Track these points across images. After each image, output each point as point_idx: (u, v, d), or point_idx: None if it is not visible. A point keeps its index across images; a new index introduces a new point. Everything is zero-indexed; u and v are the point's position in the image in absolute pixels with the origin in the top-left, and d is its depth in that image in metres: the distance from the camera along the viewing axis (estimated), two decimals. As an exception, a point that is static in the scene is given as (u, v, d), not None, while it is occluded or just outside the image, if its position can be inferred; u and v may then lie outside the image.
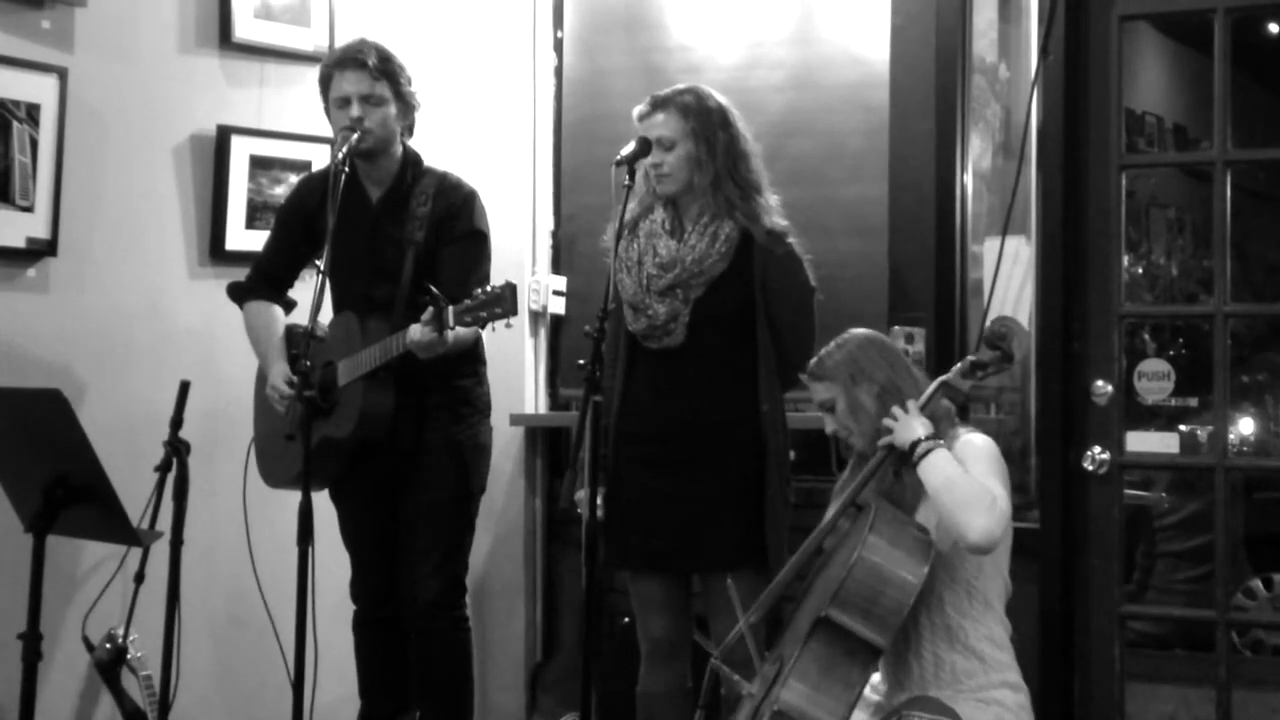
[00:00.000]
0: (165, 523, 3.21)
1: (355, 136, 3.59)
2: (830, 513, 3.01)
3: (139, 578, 3.32)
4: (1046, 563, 3.73)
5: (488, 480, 3.86)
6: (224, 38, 4.21)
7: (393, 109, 3.69)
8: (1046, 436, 3.83)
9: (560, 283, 4.72)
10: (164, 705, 3.30)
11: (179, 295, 4.15)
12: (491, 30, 4.70)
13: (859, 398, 2.96)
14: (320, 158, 4.24)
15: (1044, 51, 3.79)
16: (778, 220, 3.44)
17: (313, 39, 4.35)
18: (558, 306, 4.72)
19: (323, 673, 3.46)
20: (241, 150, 4.22)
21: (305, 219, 3.80)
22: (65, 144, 3.87)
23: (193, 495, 3.21)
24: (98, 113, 3.96)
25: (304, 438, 3.32)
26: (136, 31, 4.07)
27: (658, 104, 3.43)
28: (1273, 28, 6.37)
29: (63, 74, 3.86)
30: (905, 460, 2.83)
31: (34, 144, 3.81)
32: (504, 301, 3.34)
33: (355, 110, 3.63)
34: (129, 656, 3.78)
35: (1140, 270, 6.16)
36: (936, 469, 2.76)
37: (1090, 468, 3.69)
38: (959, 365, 2.95)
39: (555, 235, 4.78)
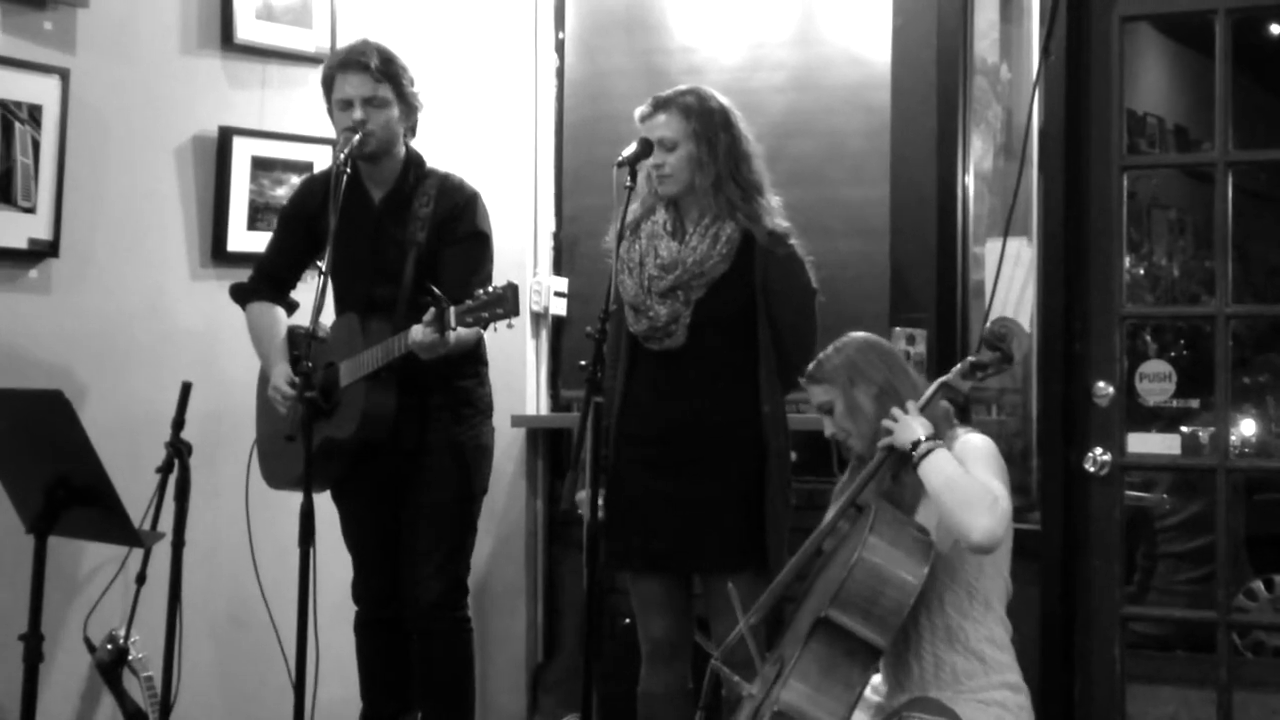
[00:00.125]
0: (166, 524, 3.21)
1: (357, 138, 3.59)
2: (830, 515, 3.01)
3: (140, 579, 3.32)
4: (1047, 564, 3.73)
5: (489, 481, 3.87)
6: (226, 39, 4.22)
7: (395, 111, 3.69)
8: (1048, 438, 3.83)
9: (561, 284, 4.73)
10: (165, 706, 3.30)
11: (180, 296, 4.15)
12: (493, 31, 4.70)
13: (857, 399, 2.96)
14: (322, 159, 4.24)
15: (1045, 52, 3.79)
16: (779, 222, 3.44)
17: (314, 40, 4.35)
18: (559, 308, 4.72)
19: (324, 674, 3.46)
20: (243, 151, 4.22)
21: (307, 220, 3.80)
22: (67, 145, 3.87)
23: (194, 496, 3.22)
24: (99, 114, 3.96)
25: (305, 439, 3.33)
26: (138, 33, 4.07)
27: (659, 105, 3.43)
28: (1274, 29, 6.37)
29: (65, 75, 3.86)
30: (905, 461, 2.83)
31: (36, 145, 3.82)
32: (506, 302, 3.34)
33: (358, 112, 3.63)
34: (130, 657, 3.78)
35: (1142, 271, 6.16)
36: (937, 469, 2.76)
37: (1091, 469, 3.69)
38: (959, 366, 2.95)
39: (556, 236, 4.78)
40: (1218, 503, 3.62)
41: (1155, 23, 5.74)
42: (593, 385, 3.24)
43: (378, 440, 3.63)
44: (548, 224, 4.77)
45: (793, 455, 3.50)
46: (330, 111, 3.74)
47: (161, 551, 3.23)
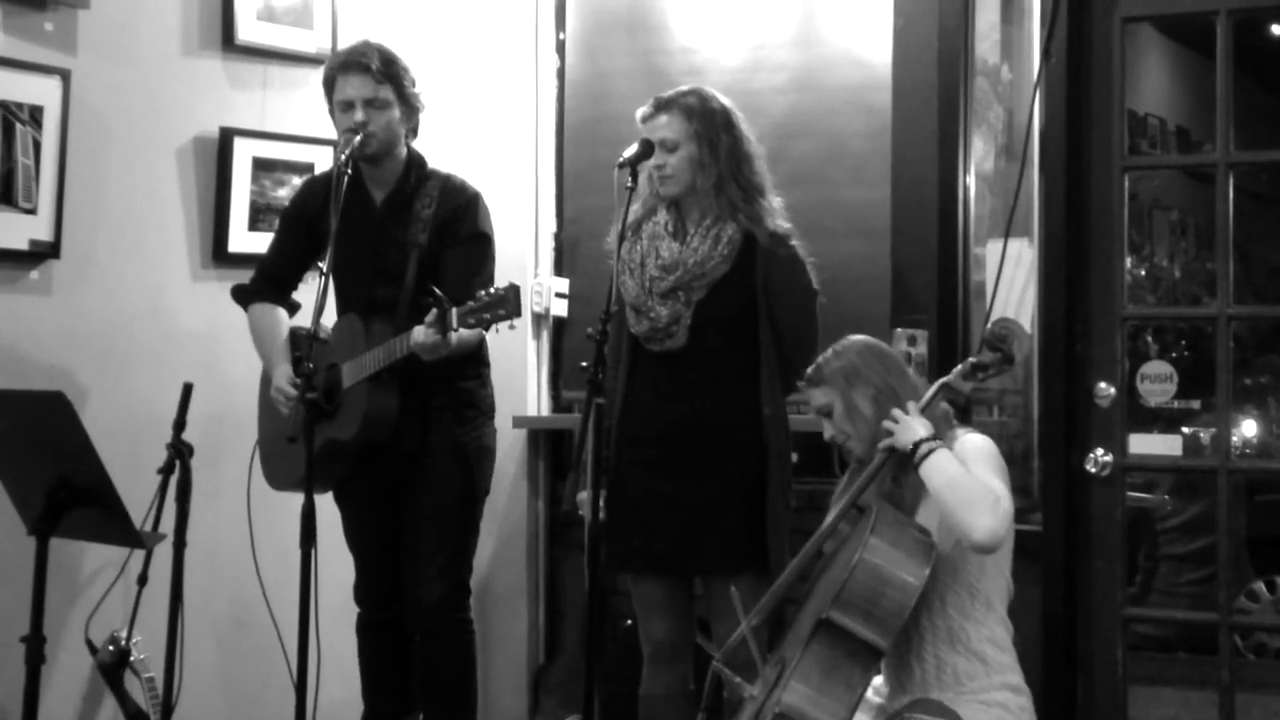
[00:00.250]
0: (168, 525, 3.21)
1: (358, 140, 3.59)
2: (830, 517, 3.01)
3: (142, 580, 3.32)
4: (1049, 565, 3.73)
5: (491, 482, 3.86)
6: (227, 40, 4.21)
7: (396, 112, 3.69)
8: (1049, 439, 3.83)
9: (563, 285, 4.73)
10: (167, 707, 3.29)
11: (181, 297, 4.15)
12: (494, 32, 4.70)
13: (855, 401, 2.96)
14: (323, 160, 4.24)
15: (1046, 53, 3.79)
16: (781, 223, 3.44)
17: (315, 41, 4.35)
18: (560, 309, 4.72)
19: (325, 675, 3.46)
20: (244, 152, 4.22)
21: (309, 221, 3.80)
22: (68, 146, 3.87)
23: (195, 497, 3.22)
24: (100, 115, 3.96)
25: (306, 440, 3.33)
26: (139, 34, 4.07)
27: (661, 106, 3.43)
28: (1275, 29, 6.37)
29: (66, 76, 3.86)
30: (907, 462, 2.83)
31: (37, 146, 3.82)
32: (507, 303, 3.33)
33: (359, 114, 3.62)
34: (132, 659, 3.78)
35: (1143, 272, 6.16)
36: (939, 469, 2.76)
37: (1093, 470, 3.69)
38: (960, 367, 2.96)
39: (558, 237, 4.78)
40: (1219, 504, 3.63)
41: (1156, 24, 5.74)
42: (594, 386, 3.24)
43: (380, 442, 3.63)
44: (549, 225, 4.77)
45: (794, 456, 3.50)
46: (331, 113, 3.74)
47: (163, 553, 3.23)
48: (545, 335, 4.74)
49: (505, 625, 4.64)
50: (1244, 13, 3.68)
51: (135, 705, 3.81)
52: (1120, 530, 3.69)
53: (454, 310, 3.34)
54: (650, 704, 3.51)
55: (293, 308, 3.91)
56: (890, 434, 2.85)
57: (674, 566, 3.45)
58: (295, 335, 3.80)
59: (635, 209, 3.46)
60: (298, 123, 4.30)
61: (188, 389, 3.38)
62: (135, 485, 3.17)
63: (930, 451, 2.78)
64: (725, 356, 3.42)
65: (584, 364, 3.28)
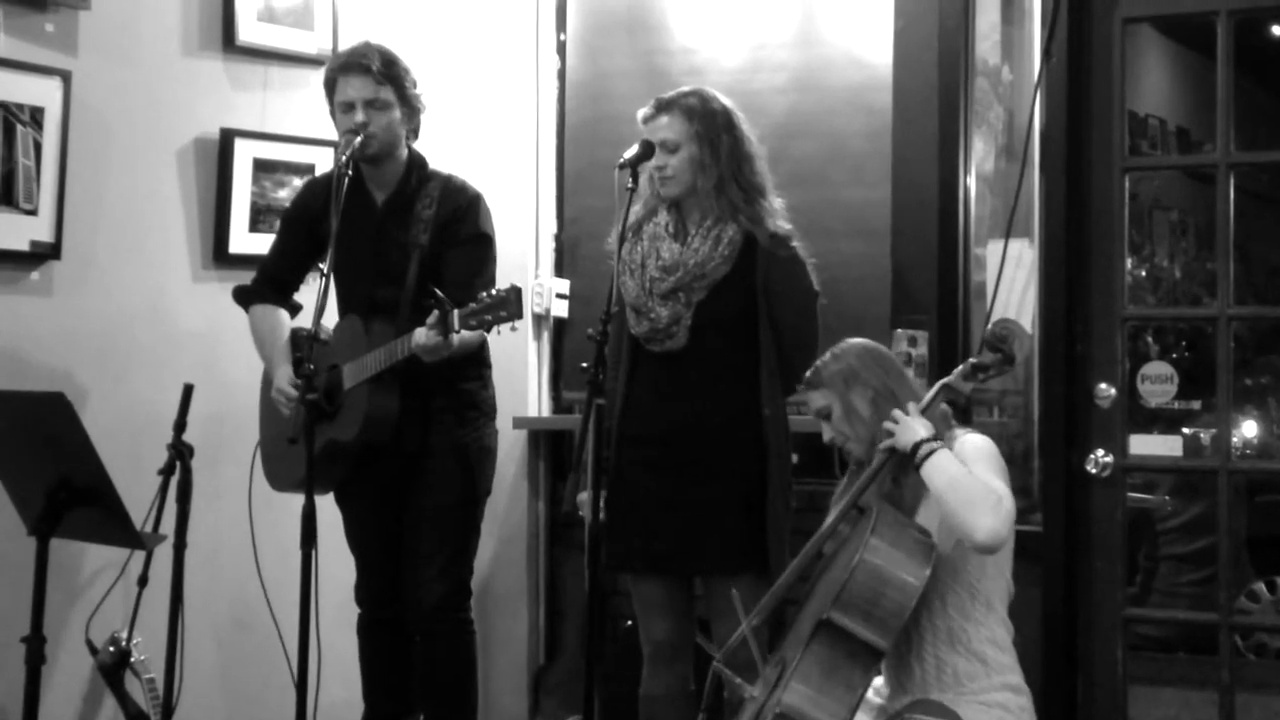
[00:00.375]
0: (168, 526, 3.21)
1: (359, 141, 3.59)
2: (830, 518, 3.01)
3: (142, 581, 3.32)
4: (1049, 565, 3.73)
5: (492, 483, 3.86)
6: (227, 41, 4.21)
7: (397, 113, 3.69)
8: (1049, 439, 3.83)
9: (563, 285, 4.73)
10: (167, 708, 3.29)
11: (182, 298, 4.15)
12: (494, 33, 4.70)
13: (854, 403, 2.96)
14: (324, 161, 4.24)
15: (1047, 54, 3.79)
16: (781, 224, 3.44)
17: (316, 42, 4.35)
18: (561, 309, 4.72)
19: (326, 675, 3.46)
20: (245, 153, 4.22)
21: (310, 222, 3.80)
22: (69, 147, 3.87)
23: (196, 498, 3.22)
24: (101, 116, 3.96)
25: (306, 441, 3.33)
26: (140, 34, 4.07)
27: (662, 106, 3.43)
28: (1276, 30, 6.37)
29: (66, 77, 3.86)
30: (907, 463, 2.83)
31: (38, 147, 3.82)
32: (509, 305, 3.33)
33: (360, 115, 3.63)
34: (132, 660, 3.78)
35: (1143, 273, 6.16)
36: (940, 469, 2.76)
37: (1093, 470, 3.69)
38: (960, 368, 2.95)
39: (558, 238, 4.78)
40: (1219, 504, 3.63)
41: (1157, 24, 5.74)
42: (594, 387, 3.24)
43: (381, 443, 3.63)
44: (549, 226, 4.77)
45: (794, 457, 3.50)
46: (332, 114, 3.74)
47: (163, 553, 3.23)
48: (546, 336, 4.75)
49: (506, 626, 4.64)
50: (1244, 13, 3.68)
51: (135, 706, 3.81)
52: (1121, 531, 3.69)
53: (455, 312, 3.34)
54: (650, 704, 3.51)
55: (294, 309, 3.91)
56: (891, 435, 2.86)
57: (674, 567, 3.45)
58: (296, 336, 3.80)
59: (636, 210, 3.46)
60: (298, 124, 4.30)
61: (188, 390, 3.38)
62: (136, 486, 3.17)
63: (931, 452, 2.78)
64: (725, 357, 3.42)
65: (584, 365, 3.29)
